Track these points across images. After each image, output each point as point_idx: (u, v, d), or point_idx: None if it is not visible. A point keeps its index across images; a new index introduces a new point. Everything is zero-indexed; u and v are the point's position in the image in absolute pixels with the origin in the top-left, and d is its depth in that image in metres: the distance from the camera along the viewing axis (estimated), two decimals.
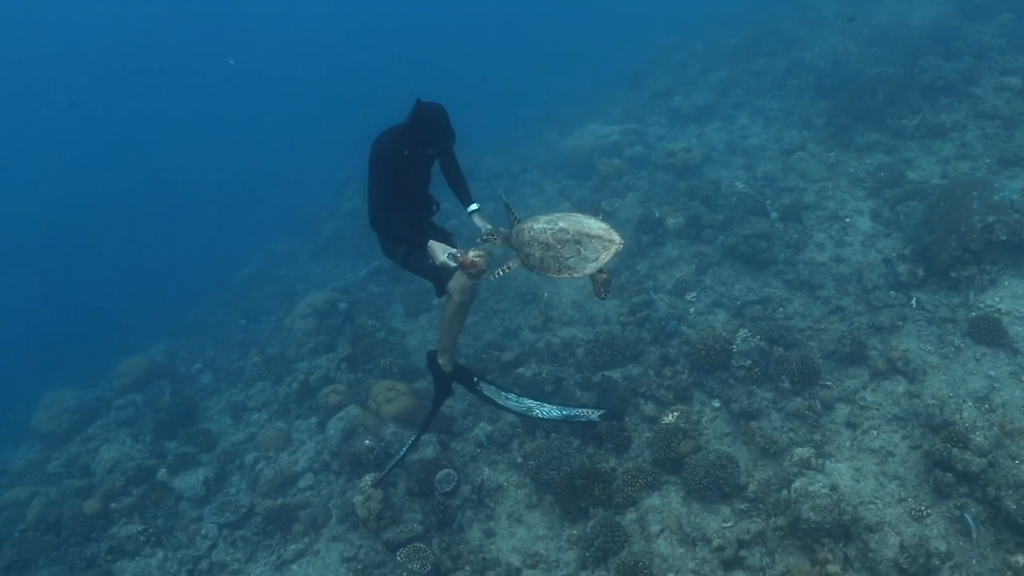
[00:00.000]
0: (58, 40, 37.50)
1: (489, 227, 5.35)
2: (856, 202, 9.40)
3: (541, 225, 4.92)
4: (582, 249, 4.73)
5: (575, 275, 4.84)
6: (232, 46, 38.81)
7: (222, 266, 18.33)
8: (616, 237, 4.73)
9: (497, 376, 8.13)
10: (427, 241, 5.34)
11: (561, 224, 4.83)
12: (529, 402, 6.61)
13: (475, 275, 5.14)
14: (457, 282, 5.55)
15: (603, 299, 5.17)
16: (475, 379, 6.49)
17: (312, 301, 11.73)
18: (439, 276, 5.63)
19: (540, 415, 6.60)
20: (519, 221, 5.15)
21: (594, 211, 5.05)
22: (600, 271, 4.84)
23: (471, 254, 5.04)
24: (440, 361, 6.26)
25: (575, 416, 6.74)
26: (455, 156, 5.69)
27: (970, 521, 5.03)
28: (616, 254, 4.74)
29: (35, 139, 33.52)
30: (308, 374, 9.71)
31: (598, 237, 4.72)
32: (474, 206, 5.69)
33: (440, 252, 5.20)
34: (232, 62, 32.89)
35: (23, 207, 29.17)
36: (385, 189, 5.35)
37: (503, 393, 6.60)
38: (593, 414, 6.75)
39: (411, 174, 5.48)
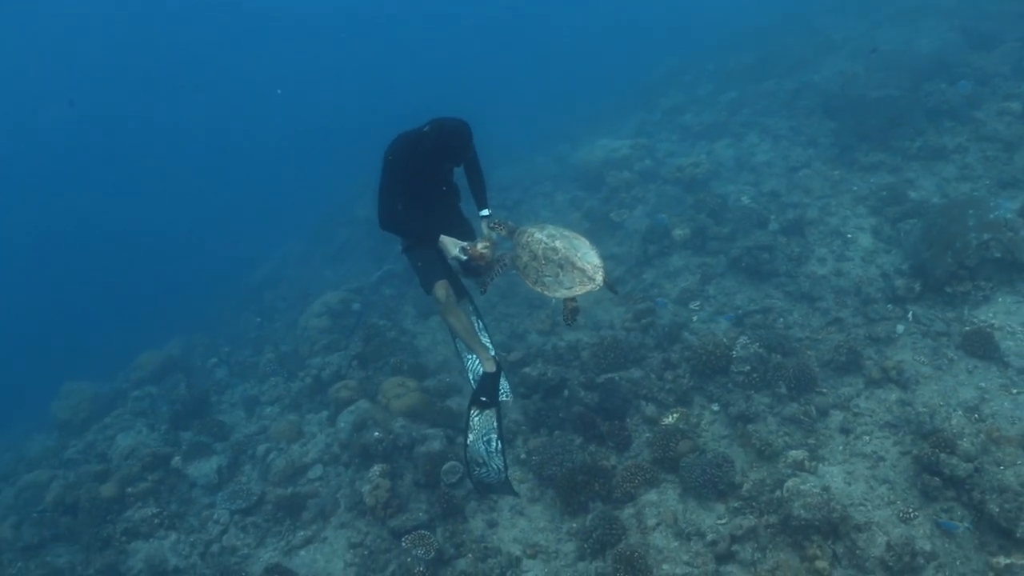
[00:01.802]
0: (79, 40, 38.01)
1: (498, 220, 5.62)
2: (858, 219, 9.64)
3: (540, 236, 5.10)
4: (561, 274, 4.88)
5: (546, 293, 4.99)
6: (250, 52, 39.51)
7: (238, 267, 18.66)
8: (598, 278, 4.84)
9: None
10: (438, 237, 5.58)
11: (557, 243, 4.97)
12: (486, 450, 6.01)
13: (484, 267, 5.40)
14: (438, 291, 5.77)
15: (568, 325, 5.34)
16: (486, 400, 6.10)
17: (327, 301, 12.05)
18: (424, 275, 5.80)
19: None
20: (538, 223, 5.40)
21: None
22: (572, 300, 5.06)
23: (479, 246, 5.30)
24: (484, 369, 6.15)
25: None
26: (478, 161, 5.86)
27: (951, 523, 5.25)
28: (590, 292, 4.87)
29: (65, 137, 34.04)
30: (320, 370, 9.99)
31: (581, 270, 4.84)
32: (485, 212, 5.90)
33: (452, 247, 5.43)
34: (280, 92, 33.29)
35: (51, 205, 29.75)
36: (397, 192, 5.54)
37: (489, 436, 6.07)
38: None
39: (428, 179, 5.65)
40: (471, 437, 5.92)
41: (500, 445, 5.88)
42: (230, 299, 16.63)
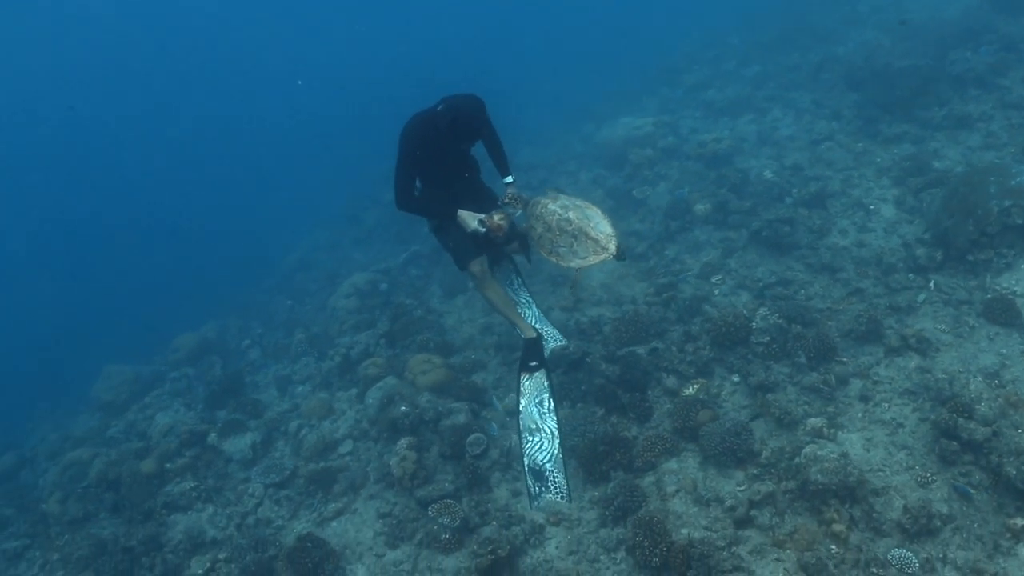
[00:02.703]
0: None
1: (511, 194, 5.73)
2: (881, 190, 9.59)
3: (554, 207, 5.20)
4: (575, 244, 4.99)
5: (560, 263, 5.11)
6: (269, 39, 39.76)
7: (269, 252, 18.93)
8: (611, 247, 4.94)
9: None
10: (455, 212, 5.67)
11: (571, 214, 5.08)
12: (540, 425, 5.93)
13: (504, 237, 5.53)
14: (473, 268, 5.88)
15: (570, 291, 5.43)
16: (535, 363, 6.13)
17: (355, 281, 12.28)
18: (457, 254, 5.92)
19: (532, 451, 5.92)
20: (555, 191, 5.50)
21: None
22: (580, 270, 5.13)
23: (496, 218, 5.43)
24: (524, 337, 6.25)
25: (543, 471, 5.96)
26: (495, 133, 5.91)
27: (965, 488, 5.31)
28: (603, 261, 4.98)
29: (100, 129, 34.69)
30: (349, 348, 10.19)
31: (595, 240, 4.95)
32: (509, 178, 5.97)
33: (470, 220, 5.53)
34: (300, 82, 33.52)
35: (87, 190, 30.44)
36: (413, 173, 5.64)
37: (541, 397, 6.05)
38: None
39: (445, 159, 5.72)
40: (523, 402, 5.99)
41: (553, 404, 5.96)
42: (262, 283, 16.92)
